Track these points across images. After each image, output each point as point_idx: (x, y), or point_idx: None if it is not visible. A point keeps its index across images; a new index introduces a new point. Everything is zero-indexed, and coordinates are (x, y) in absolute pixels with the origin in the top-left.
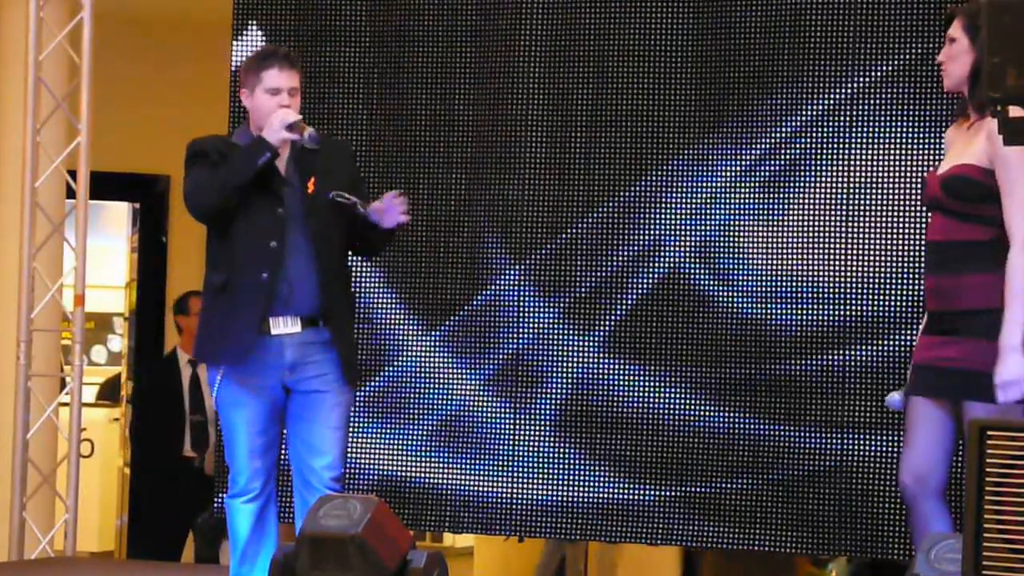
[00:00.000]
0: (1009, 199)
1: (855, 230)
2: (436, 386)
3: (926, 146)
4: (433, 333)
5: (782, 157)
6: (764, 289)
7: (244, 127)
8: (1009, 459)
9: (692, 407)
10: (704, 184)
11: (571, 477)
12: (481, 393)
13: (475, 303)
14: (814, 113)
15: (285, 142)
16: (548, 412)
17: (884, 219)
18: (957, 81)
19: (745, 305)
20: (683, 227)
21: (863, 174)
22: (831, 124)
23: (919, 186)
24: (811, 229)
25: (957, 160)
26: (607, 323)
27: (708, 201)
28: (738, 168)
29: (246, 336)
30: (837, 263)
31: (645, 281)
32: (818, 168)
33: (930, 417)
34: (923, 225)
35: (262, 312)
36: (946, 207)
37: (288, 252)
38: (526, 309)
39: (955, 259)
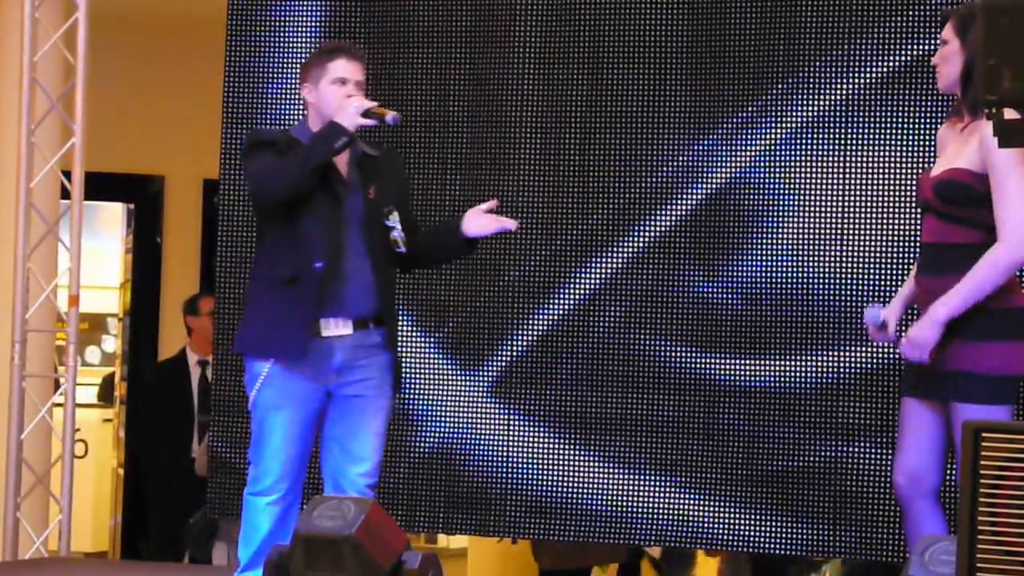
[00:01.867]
0: (1000, 202)
1: (849, 231)
2: (430, 387)
3: (921, 147)
4: (430, 335)
5: (775, 158)
6: (758, 290)
7: (303, 124)
8: (1004, 461)
9: (685, 408)
10: (700, 184)
11: (565, 479)
12: (474, 394)
13: (471, 305)
14: (810, 114)
15: (359, 129)
16: (541, 413)
17: (879, 220)
18: (950, 82)
19: (739, 305)
20: (678, 228)
21: (858, 175)
22: (827, 125)
23: (913, 187)
24: (805, 230)
25: (950, 163)
26: (601, 324)
27: (704, 201)
28: (734, 168)
29: (305, 331)
30: (832, 264)
31: (637, 282)
32: (812, 169)
33: (922, 417)
34: (917, 226)
35: (317, 306)
36: (937, 210)
37: (345, 253)
38: (523, 311)
39: (945, 262)
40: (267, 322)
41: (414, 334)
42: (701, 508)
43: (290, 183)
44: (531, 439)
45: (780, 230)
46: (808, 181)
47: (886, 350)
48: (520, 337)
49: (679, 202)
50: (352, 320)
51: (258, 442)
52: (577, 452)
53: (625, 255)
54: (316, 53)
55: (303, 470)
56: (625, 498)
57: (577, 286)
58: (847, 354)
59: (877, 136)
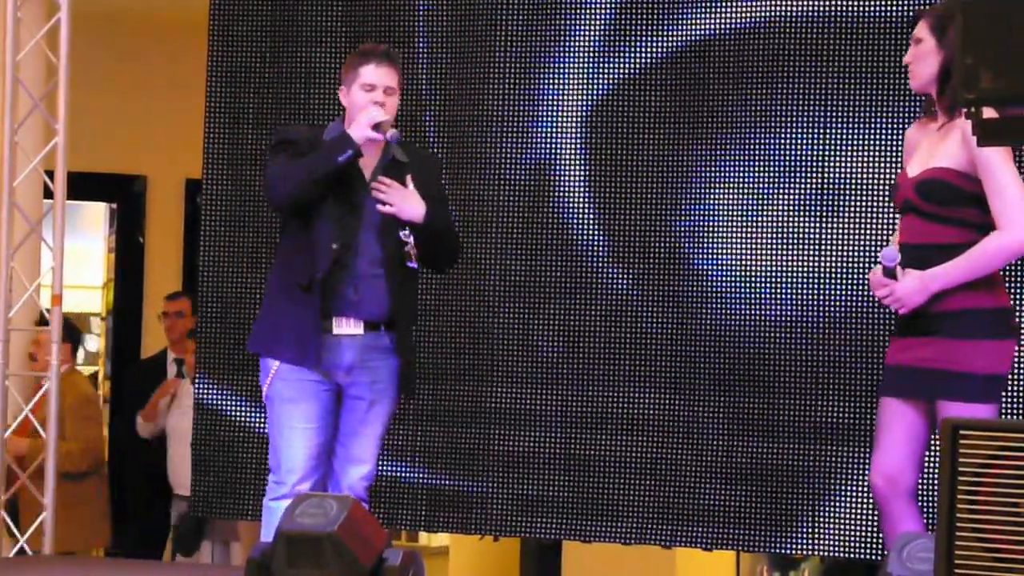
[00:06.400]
0: (997, 195)
1: (828, 233)
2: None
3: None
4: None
5: (764, 160)
6: (740, 291)
7: (338, 122)
8: (984, 459)
9: (668, 408)
10: (691, 187)
11: (548, 476)
12: (459, 391)
13: (457, 302)
14: (797, 117)
15: (373, 142)
16: (525, 411)
17: (857, 221)
18: (924, 82)
19: (721, 307)
20: (665, 230)
21: (840, 176)
22: (813, 128)
23: (888, 188)
24: (782, 233)
25: (929, 162)
26: (583, 323)
27: (692, 204)
28: (722, 172)
29: (316, 337)
30: (811, 265)
31: (621, 283)
32: (797, 171)
33: (902, 417)
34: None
35: (322, 312)
36: (921, 210)
37: (358, 255)
38: (508, 311)
39: (932, 261)
40: (277, 323)
41: None
42: (682, 506)
43: (292, 191)
44: (513, 437)
45: (761, 232)
46: (784, 181)
47: (866, 349)
48: (505, 336)
49: (664, 204)
50: (363, 321)
51: (279, 443)
52: (558, 450)
53: (606, 256)
54: (352, 55)
55: (324, 463)
56: (605, 496)
57: (559, 287)
58: (827, 354)
59: (858, 138)
